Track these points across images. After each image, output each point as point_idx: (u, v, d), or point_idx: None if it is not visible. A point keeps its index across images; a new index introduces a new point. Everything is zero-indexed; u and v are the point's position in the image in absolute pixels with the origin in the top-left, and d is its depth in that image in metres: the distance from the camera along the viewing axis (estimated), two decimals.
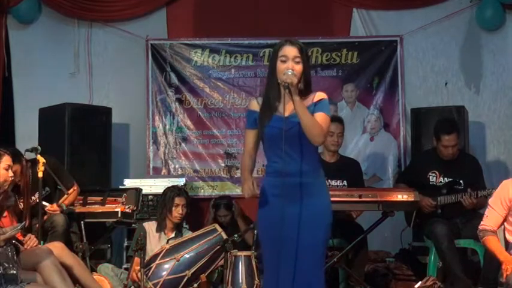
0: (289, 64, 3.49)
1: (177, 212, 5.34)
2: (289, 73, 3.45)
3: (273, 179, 3.54)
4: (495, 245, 4.15)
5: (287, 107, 3.48)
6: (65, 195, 5.38)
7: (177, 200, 5.35)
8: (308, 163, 3.53)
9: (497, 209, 4.19)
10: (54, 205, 5.28)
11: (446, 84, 7.18)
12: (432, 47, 7.23)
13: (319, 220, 3.51)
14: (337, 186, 5.60)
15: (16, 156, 4.99)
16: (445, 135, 5.45)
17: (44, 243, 4.80)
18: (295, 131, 3.46)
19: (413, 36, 7.21)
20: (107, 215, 5.56)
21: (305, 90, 3.54)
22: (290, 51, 3.52)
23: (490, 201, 4.30)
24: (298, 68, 3.51)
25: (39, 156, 5.02)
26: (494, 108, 7.12)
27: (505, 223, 4.22)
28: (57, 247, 4.63)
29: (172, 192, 5.43)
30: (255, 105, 3.61)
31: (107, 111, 6.72)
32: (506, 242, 4.23)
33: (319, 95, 3.57)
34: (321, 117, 3.49)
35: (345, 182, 5.63)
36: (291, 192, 3.46)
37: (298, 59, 3.51)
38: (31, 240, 4.68)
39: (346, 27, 7.32)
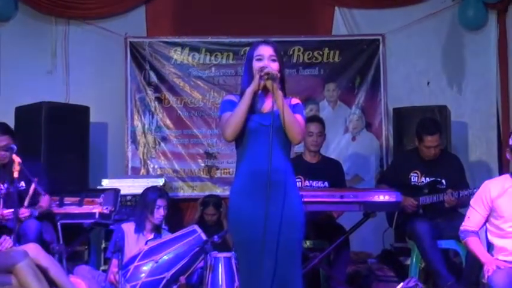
0: (265, 62, 3.52)
1: (159, 213, 5.29)
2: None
3: (252, 179, 3.45)
4: (476, 246, 4.16)
5: (265, 106, 3.53)
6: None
7: (159, 202, 5.30)
8: (289, 160, 3.55)
9: (479, 209, 4.20)
10: (23, 209, 5.09)
11: (428, 83, 7.16)
12: (414, 46, 7.21)
13: (298, 219, 3.48)
14: (319, 187, 5.56)
15: (7, 129, 5.10)
16: (428, 136, 5.41)
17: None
18: (279, 127, 3.44)
19: (395, 35, 7.17)
20: (84, 216, 5.47)
21: (282, 90, 3.54)
22: (266, 50, 3.56)
23: (472, 201, 4.31)
24: (274, 66, 3.54)
25: (14, 156, 4.91)
26: (476, 107, 7.12)
27: (487, 224, 4.22)
28: (32, 249, 4.58)
29: (153, 193, 5.38)
30: (233, 98, 3.61)
31: (84, 110, 6.62)
32: (488, 243, 4.22)
33: (296, 100, 3.66)
34: (299, 118, 3.55)
35: (326, 183, 5.60)
36: (274, 192, 3.40)
37: (274, 57, 3.56)
38: (6, 242, 4.61)
39: (328, 26, 7.29)
